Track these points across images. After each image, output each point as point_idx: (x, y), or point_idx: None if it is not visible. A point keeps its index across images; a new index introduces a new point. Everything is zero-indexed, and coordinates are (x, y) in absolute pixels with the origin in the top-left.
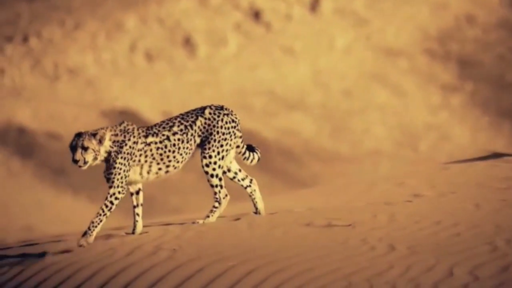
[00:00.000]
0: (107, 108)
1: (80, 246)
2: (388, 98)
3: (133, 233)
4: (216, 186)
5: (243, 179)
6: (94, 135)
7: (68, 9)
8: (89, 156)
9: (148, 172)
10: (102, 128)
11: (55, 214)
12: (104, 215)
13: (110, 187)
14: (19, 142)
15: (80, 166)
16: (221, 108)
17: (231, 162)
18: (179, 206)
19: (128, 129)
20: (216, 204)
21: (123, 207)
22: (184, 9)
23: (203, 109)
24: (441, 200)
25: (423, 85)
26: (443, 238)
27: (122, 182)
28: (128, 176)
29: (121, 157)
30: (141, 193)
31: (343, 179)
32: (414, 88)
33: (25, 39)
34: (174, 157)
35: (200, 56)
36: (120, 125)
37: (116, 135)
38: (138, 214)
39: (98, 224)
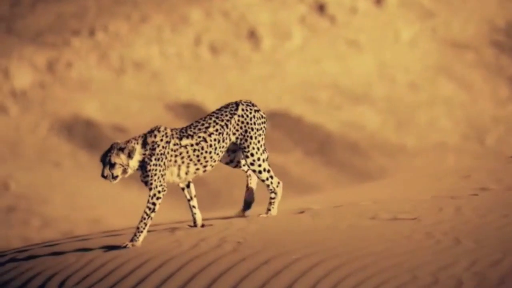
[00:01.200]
0: (171, 101)
1: (125, 247)
2: (454, 91)
3: (194, 225)
4: (267, 179)
5: (244, 165)
6: (122, 149)
7: (134, 3)
8: (118, 171)
9: (186, 173)
10: (133, 139)
11: (122, 206)
12: (148, 217)
13: (150, 189)
14: (86, 135)
15: (110, 181)
16: (252, 104)
17: (234, 152)
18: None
19: (160, 131)
20: (273, 195)
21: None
22: (248, 2)
23: (236, 106)
24: (508, 194)
25: (490, 78)
26: (509, 232)
27: (160, 182)
28: (165, 175)
29: (155, 159)
30: (191, 186)
31: (409, 172)
32: (481, 80)
33: (92, 33)
34: (211, 157)
35: (265, 49)
36: (151, 130)
37: (145, 139)
38: (194, 207)
39: (144, 228)
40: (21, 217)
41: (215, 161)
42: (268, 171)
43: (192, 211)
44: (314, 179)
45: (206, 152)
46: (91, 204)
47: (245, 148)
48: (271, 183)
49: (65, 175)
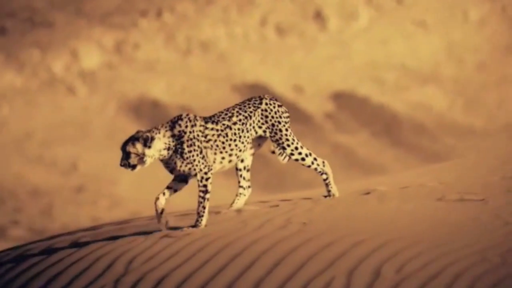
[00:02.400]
0: (238, 82)
1: (187, 233)
2: None
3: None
4: (312, 163)
5: (244, 179)
6: (138, 139)
7: None
8: (134, 160)
9: (214, 161)
10: (155, 128)
11: (189, 187)
12: (204, 200)
13: (195, 175)
14: (153, 116)
15: (128, 170)
16: (275, 99)
17: (251, 155)
18: (310, 180)
19: (183, 118)
20: (324, 176)
21: (254, 182)
22: None
23: (259, 100)
24: None
25: None
26: None
27: (202, 164)
28: (205, 155)
29: (187, 146)
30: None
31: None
32: None
33: (159, 14)
34: (236, 145)
35: (331, 30)
36: (175, 118)
37: (172, 129)
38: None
39: (203, 211)
40: (90, 197)
41: (240, 151)
42: (310, 154)
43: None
44: (380, 160)
45: (231, 140)
46: (158, 184)
47: (278, 141)
48: (318, 165)
49: None
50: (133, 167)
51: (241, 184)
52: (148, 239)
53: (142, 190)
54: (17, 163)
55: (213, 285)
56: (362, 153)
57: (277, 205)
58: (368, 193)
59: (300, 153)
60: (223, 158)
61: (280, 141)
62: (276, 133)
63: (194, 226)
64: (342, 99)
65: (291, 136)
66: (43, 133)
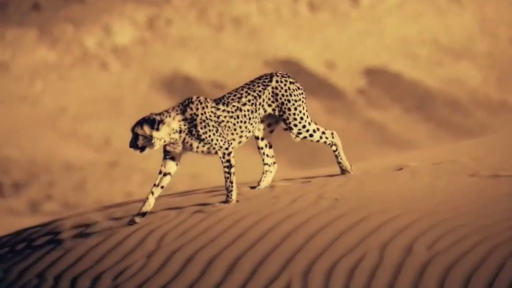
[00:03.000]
0: (270, 58)
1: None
2: None
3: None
4: (320, 137)
5: (267, 156)
6: (147, 121)
7: None
8: (141, 142)
9: None
10: (166, 111)
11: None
12: (230, 175)
13: (216, 153)
14: (186, 91)
15: (137, 152)
16: (288, 76)
17: (270, 132)
18: None
19: (194, 101)
20: (334, 148)
21: (286, 158)
22: None
23: (270, 77)
24: None
25: None
26: None
27: (222, 141)
28: (222, 132)
29: (201, 127)
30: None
31: (510, 129)
32: None
33: None
34: (246, 127)
35: (364, 5)
36: (185, 101)
37: (183, 112)
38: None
39: (232, 186)
40: (123, 172)
41: (249, 132)
42: (318, 129)
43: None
44: (413, 136)
45: (241, 121)
46: (191, 159)
47: (286, 120)
48: (326, 138)
49: None
50: (142, 149)
51: (265, 161)
52: (180, 215)
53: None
54: (51, 138)
55: (244, 261)
56: (394, 129)
57: (309, 181)
58: (400, 169)
59: (307, 130)
60: (233, 139)
61: (288, 121)
62: (284, 112)
63: (225, 202)
64: (374, 74)
65: (300, 115)
66: (76, 109)
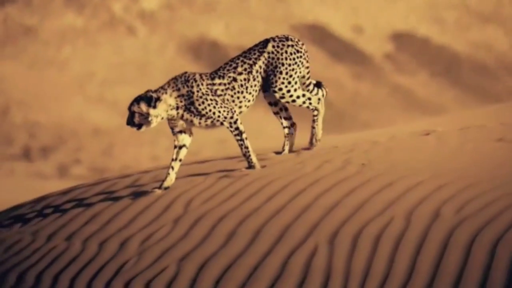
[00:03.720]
0: (297, 23)
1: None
2: None
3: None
4: (304, 102)
5: (285, 118)
6: (143, 98)
7: None
8: (138, 120)
9: None
10: (162, 88)
11: (249, 127)
12: (243, 141)
13: (222, 123)
14: (212, 56)
15: (134, 129)
16: (286, 39)
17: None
18: (370, 120)
19: (189, 78)
20: (315, 113)
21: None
22: None
23: (265, 43)
24: None
25: None
26: None
27: (225, 111)
28: (222, 102)
29: (198, 104)
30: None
31: None
32: None
33: None
34: (244, 97)
35: None
36: (180, 77)
37: (179, 89)
38: (174, 165)
39: (248, 152)
40: (149, 137)
41: (249, 101)
42: (303, 95)
43: (169, 170)
44: (440, 101)
45: (238, 92)
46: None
47: (272, 83)
48: (310, 103)
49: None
50: (139, 126)
51: (284, 125)
52: (207, 180)
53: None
54: (78, 103)
55: (271, 226)
56: (421, 93)
57: (336, 146)
58: (427, 134)
59: (291, 96)
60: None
61: (274, 84)
62: (275, 75)
63: (249, 167)
64: (402, 39)
65: (288, 79)
66: (103, 73)
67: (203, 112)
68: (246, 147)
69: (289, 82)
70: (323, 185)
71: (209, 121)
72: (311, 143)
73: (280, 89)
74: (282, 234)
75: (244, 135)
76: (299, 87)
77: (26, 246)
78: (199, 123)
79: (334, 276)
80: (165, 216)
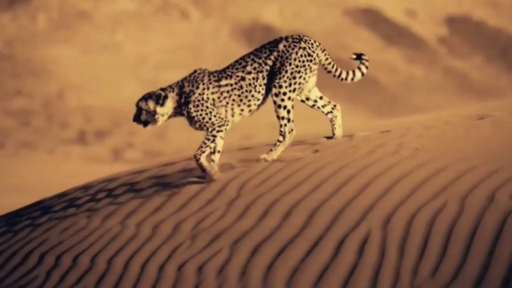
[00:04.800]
0: (350, 7)
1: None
2: None
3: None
4: (283, 118)
5: (323, 106)
6: (151, 96)
7: None
8: (145, 117)
9: (232, 115)
10: (169, 86)
11: (300, 111)
12: (207, 146)
13: (207, 129)
14: (265, 40)
15: (142, 126)
16: (300, 40)
17: (309, 91)
18: (423, 104)
19: (197, 77)
20: (281, 138)
21: (365, 107)
22: None
23: (277, 42)
24: None
25: None
26: None
27: (213, 123)
28: (218, 113)
29: (193, 106)
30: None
31: None
32: None
33: None
34: (252, 96)
35: None
36: (190, 75)
37: (183, 86)
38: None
39: (201, 154)
40: None
41: (258, 100)
42: (288, 112)
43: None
44: (495, 85)
45: (246, 91)
46: (270, 109)
47: (275, 78)
48: (285, 125)
49: None
50: (145, 123)
51: (325, 111)
52: (259, 164)
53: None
54: (132, 86)
55: (324, 210)
56: (476, 77)
57: (389, 130)
58: (481, 118)
59: (283, 100)
60: (242, 110)
61: (277, 80)
62: (280, 72)
63: (198, 155)
64: (456, 23)
65: (289, 81)
66: (157, 57)
67: (193, 115)
68: (203, 152)
69: (290, 84)
70: (376, 169)
71: (197, 125)
72: (264, 158)
73: (280, 86)
74: (335, 218)
75: (212, 144)
76: (293, 100)
77: (80, 229)
78: (190, 123)
79: (387, 261)
80: (218, 199)
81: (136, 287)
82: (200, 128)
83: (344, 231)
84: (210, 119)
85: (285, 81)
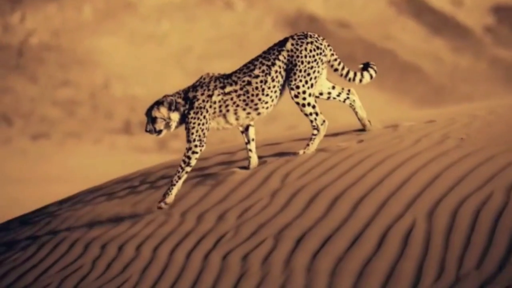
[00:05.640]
0: None
1: (159, 208)
2: None
3: (248, 168)
4: (311, 114)
5: (338, 95)
6: (162, 103)
7: None
8: (160, 125)
9: (236, 119)
10: (177, 93)
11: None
12: (183, 171)
13: (188, 141)
14: (310, 30)
15: (154, 135)
16: (305, 36)
17: (321, 85)
18: (469, 94)
19: (204, 83)
20: (315, 132)
21: (409, 97)
22: None
23: (284, 42)
24: None
25: None
26: None
27: (198, 136)
28: (206, 129)
29: (193, 112)
30: (250, 129)
31: None
32: None
33: None
34: (259, 99)
35: None
36: (197, 81)
37: (189, 91)
38: (250, 150)
39: (177, 182)
40: None
41: (267, 103)
42: (314, 107)
43: (248, 153)
44: None
45: (252, 95)
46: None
47: (291, 80)
48: (315, 119)
49: None
50: (159, 132)
51: (342, 99)
52: (304, 154)
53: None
54: (177, 76)
55: (368, 200)
56: None
57: (434, 120)
58: None
59: (304, 98)
60: (248, 113)
61: (293, 81)
62: (294, 72)
63: (164, 195)
64: (503, 12)
65: (306, 78)
66: (201, 47)
67: (188, 120)
68: (179, 178)
69: (306, 82)
70: (421, 159)
71: (186, 129)
72: (304, 150)
73: (298, 86)
74: (380, 208)
75: (188, 168)
76: (313, 94)
77: (125, 218)
78: (184, 126)
79: (433, 251)
80: (262, 190)
81: (181, 276)
82: (186, 133)
83: (389, 222)
84: (197, 132)
85: (300, 80)
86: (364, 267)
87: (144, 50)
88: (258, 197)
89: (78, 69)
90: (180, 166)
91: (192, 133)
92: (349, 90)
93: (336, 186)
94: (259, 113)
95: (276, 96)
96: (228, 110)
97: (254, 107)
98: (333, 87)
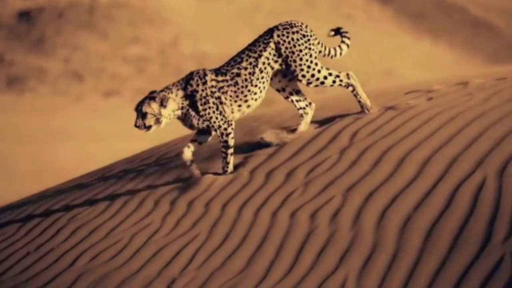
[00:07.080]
0: None
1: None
2: None
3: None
4: (334, 82)
5: (297, 101)
6: (154, 98)
7: None
8: (150, 121)
9: (232, 112)
10: (167, 88)
11: (414, 58)
12: (227, 155)
13: (215, 131)
14: None
15: (143, 131)
16: (290, 26)
17: (289, 81)
18: None
19: (193, 77)
20: (351, 88)
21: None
22: None
23: (270, 33)
24: None
25: None
26: None
27: (221, 120)
28: (223, 110)
29: (200, 104)
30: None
31: None
32: None
33: None
34: (248, 90)
35: None
36: (186, 76)
37: (184, 89)
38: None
39: (227, 167)
40: None
41: (255, 94)
42: (330, 74)
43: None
44: None
45: (242, 87)
46: (383, 56)
47: (294, 73)
48: (341, 81)
49: (358, 28)
50: (148, 128)
51: (298, 107)
52: (371, 115)
53: (366, 62)
54: (246, 34)
55: (437, 158)
56: None
57: (505, 78)
58: None
59: (318, 79)
60: (239, 106)
61: (296, 73)
62: (290, 65)
63: (222, 173)
64: None
65: (307, 64)
66: (270, 5)
67: (202, 114)
68: (227, 162)
69: (309, 67)
70: (491, 117)
71: (205, 125)
72: (363, 112)
73: (304, 76)
74: (449, 166)
75: (230, 151)
76: (322, 67)
77: (194, 176)
78: (197, 124)
79: (502, 209)
80: (330, 147)
81: (250, 232)
82: (208, 127)
83: (459, 179)
84: (216, 118)
85: (302, 69)
86: (434, 225)
87: (213, 7)
88: (327, 155)
89: (148, 26)
90: (222, 151)
91: (214, 122)
92: (310, 104)
93: (405, 144)
94: (249, 105)
95: (264, 88)
96: (225, 99)
97: (243, 99)
98: (297, 92)
